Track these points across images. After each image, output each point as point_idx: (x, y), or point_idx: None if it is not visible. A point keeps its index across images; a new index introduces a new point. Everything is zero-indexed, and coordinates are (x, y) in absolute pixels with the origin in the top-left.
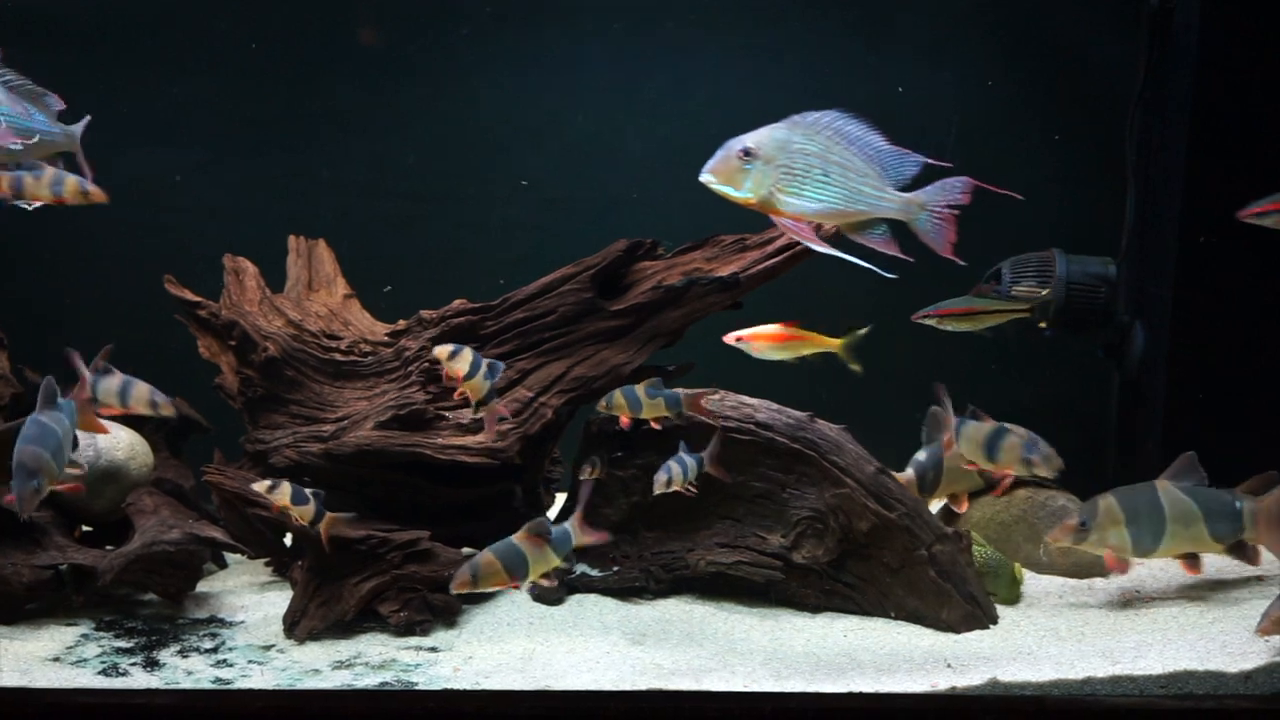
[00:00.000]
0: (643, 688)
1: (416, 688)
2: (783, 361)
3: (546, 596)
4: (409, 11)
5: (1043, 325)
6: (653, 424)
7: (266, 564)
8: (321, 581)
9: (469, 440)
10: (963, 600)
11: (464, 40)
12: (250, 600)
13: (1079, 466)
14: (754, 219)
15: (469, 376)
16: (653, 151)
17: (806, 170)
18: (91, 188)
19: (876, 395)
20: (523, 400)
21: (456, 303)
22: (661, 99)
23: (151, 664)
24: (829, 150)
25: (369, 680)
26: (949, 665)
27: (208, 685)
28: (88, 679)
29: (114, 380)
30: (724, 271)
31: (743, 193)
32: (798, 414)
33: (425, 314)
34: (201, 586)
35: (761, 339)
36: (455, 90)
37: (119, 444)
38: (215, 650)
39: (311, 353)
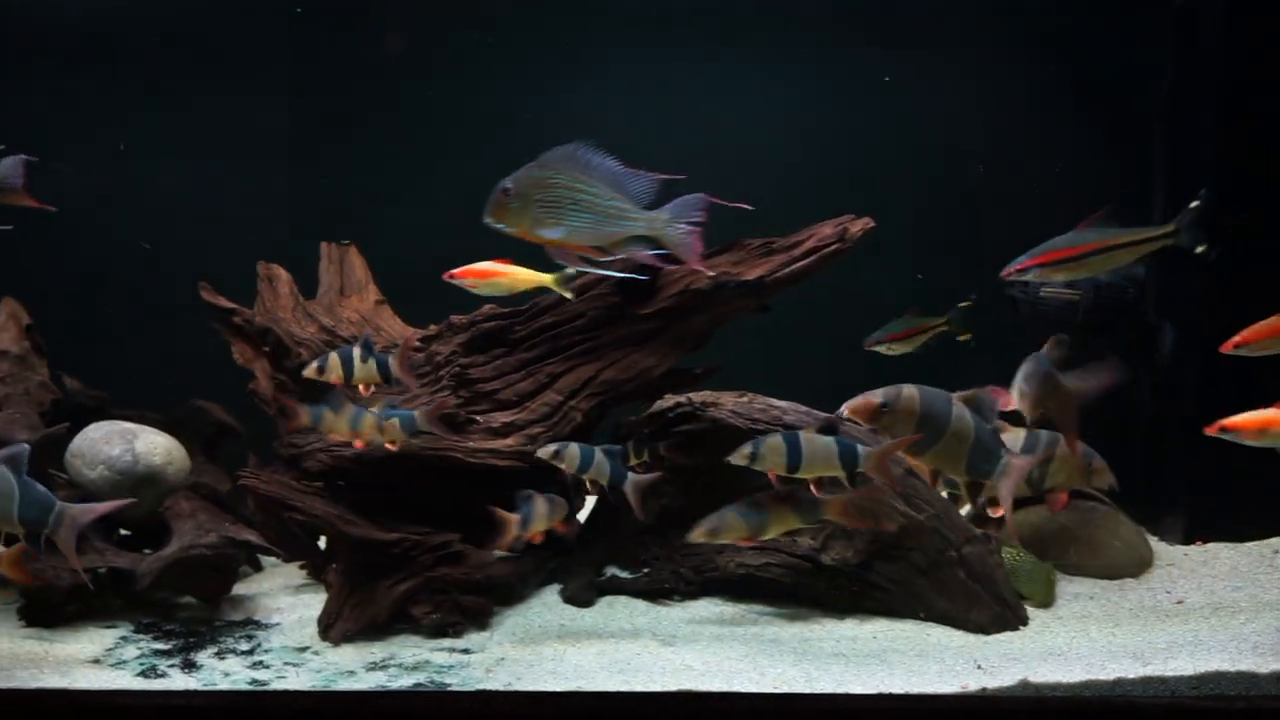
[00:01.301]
0: (673, 689)
1: (450, 689)
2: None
3: (577, 598)
4: (436, 20)
5: (964, 338)
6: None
7: (301, 567)
8: (355, 584)
9: (500, 444)
10: (992, 601)
11: (490, 48)
12: (286, 603)
13: (1112, 466)
14: (782, 222)
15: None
16: (679, 156)
17: (559, 201)
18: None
19: None
20: (553, 404)
21: (486, 308)
22: (686, 104)
23: (189, 665)
24: (576, 181)
25: (403, 681)
26: (979, 666)
27: (245, 687)
28: (127, 680)
29: None
30: (750, 275)
31: (512, 227)
32: (825, 415)
33: (455, 319)
34: (238, 589)
35: (472, 274)
36: (485, 97)
37: (156, 449)
38: (251, 652)
39: None
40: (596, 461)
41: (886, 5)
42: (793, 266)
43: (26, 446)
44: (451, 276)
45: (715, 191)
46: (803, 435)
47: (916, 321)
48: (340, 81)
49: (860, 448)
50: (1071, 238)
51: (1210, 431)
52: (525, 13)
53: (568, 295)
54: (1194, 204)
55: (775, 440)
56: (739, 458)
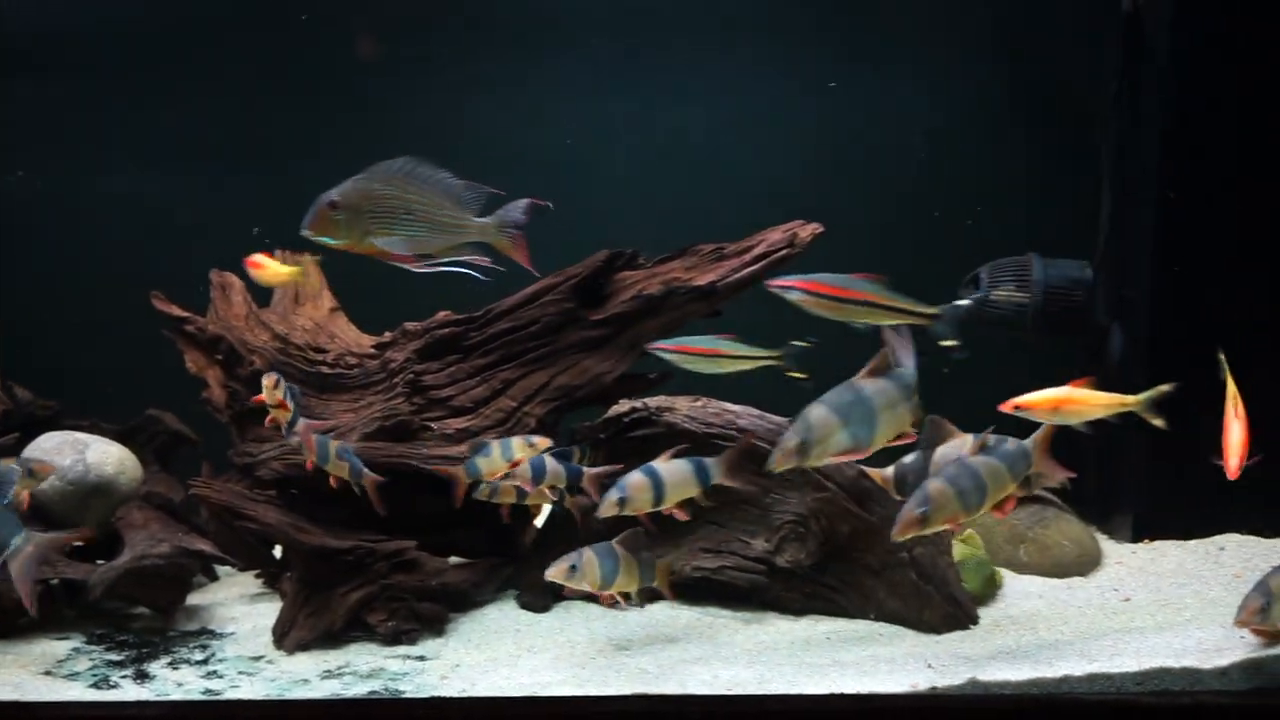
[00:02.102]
0: (628, 692)
1: (404, 696)
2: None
3: (533, 604)
4: (396, 27)
5: (800, 377)
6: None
7: (257, 576)
8: (310, 593)
9: (454, 450)
10: (943, 601)
11: (448, 55)
12: (240, 612)
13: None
14: (735, 228)
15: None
16: (634, 162)
17: (392, 212)
18: None
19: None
20: (506, 410)
21: (441, 314)
22: (642, 111)
23: (142, 676)
24: (406, 192)
25: (357, 689)
26: (929, 666)
27: (198, 696)
28: (79, 692)
29: None
30: (702, 280)
31: (341, 240)
32: (779, 419)
33: (410, 326)
34: (192, 599)
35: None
36: (439, 104)
37: (108, 459)
38: (205, 662)
39: (298, 366)
40: (550, 469)
41: (836, 9)
42: (743, 271)
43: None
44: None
45: (678, 195)
46: (660, 466)
47: (734, 345)
48: (301, 87)
49: (711, 464)
50: (844, 281)
51: (1005, 409)
52: (474, 18)
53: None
54: (966, 303)
55: (638, 479)
56: (608, 508)
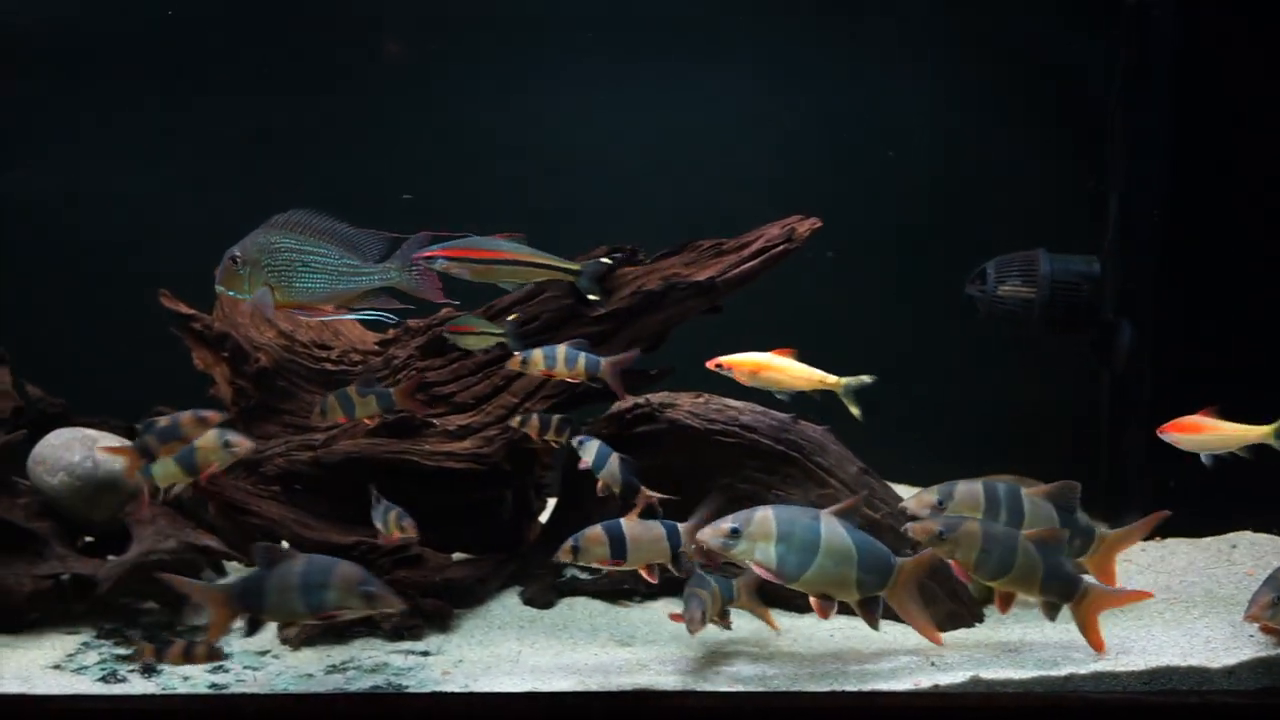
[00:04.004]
0: (630, 688)
1: (407, 690)
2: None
3: (537, 600)
4: (400, 25)
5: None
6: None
7: None
8: None
9: (455, 447)
10: (947, 599)
11: (453, 52)
12: None
13: (1069, 465)
14: (736, 224)
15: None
16: (634, 159)
17: (289, 265)
18: None
19: (860, 397)
20: (509, 406)
21: (444, 311)
22: (642, 107)
23: (150, 671)
24: (303, 244)
25: (361, 684)
26: (933, 663)
27: (203, 691)
28: (87, 686)
29: None
30: (701, 276)
31: (244, 294)
32: (781, 416)
33: (413, 323)
34: None
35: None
36: (442, 101)
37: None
38: (212, 656)
39: (303, 363)
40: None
41: (838, 4)
42: (742, 267)
43: None
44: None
45: (679, 192)
46: (625, 525)
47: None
48: (315, 85)
49: (683, 530)
50: (487, 243)
51: (709, 365)
52: (482, 18)
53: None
54: (605, 260)
55: (595, 533)
56: (563, 554)
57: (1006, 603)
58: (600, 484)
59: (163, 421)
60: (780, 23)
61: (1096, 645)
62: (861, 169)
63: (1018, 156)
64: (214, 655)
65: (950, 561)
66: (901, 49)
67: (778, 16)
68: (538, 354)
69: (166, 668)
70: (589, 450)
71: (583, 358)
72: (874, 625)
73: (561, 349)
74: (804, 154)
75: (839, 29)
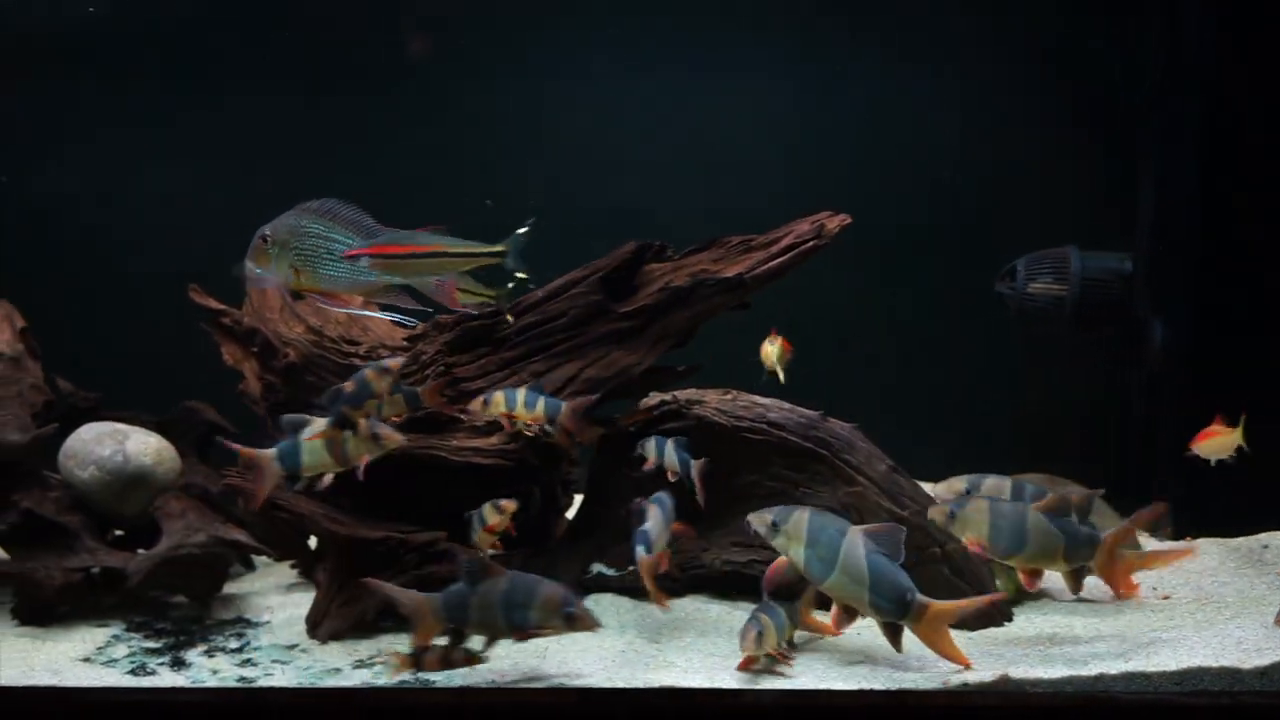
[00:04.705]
0: (655, 685)
1: (433, 685)
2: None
3: None
4: (424, 19)
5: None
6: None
7: (293, 566)
8: (343, 582)
9: (483, 442)
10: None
11: (478, 47)
12: (276, 601)
13: (1100, 463)
14: (763, 220)
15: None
16: (663, 156)
17: (314, 251)
18: None
19: (888, 394)
20: None
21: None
22: (669, 103)
23: (179, 664)
24: (331, 231)
25: (388, 678)
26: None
27: (232, 684)
28: (116, 678)
29: None
30: (730, 272)
31: (271, 274)
32: (810, 413)
33: (441, 319)
34: (229, 588)
35: None
36: (469, 98)
37: (147, 449)
38: (240, 650)
39: (331, 358)
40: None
41: (867, 3)
42: (770, 263)
43: None
44: None
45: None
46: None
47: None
48: (340, 83)
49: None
50: (408, 237)
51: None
52: (514, 14)
53: None
54: (521, 230)
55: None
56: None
57: (1033, 579)
58: (670, 472)
59: (348, 386)
60: (813, 20)
61: (1129, 590)
62: (890, 166)
63: (1049, 154)
64: (471, 660)
65: (967, 542)
66: (932, 47)
67: (810, 13)
68: (499, 396)
69: (195, 661)
70: (650, 448)
71: (542, 401)
72: (896, 648)
73: (521, 393)
74: (834, 151)
75: (871, 27)
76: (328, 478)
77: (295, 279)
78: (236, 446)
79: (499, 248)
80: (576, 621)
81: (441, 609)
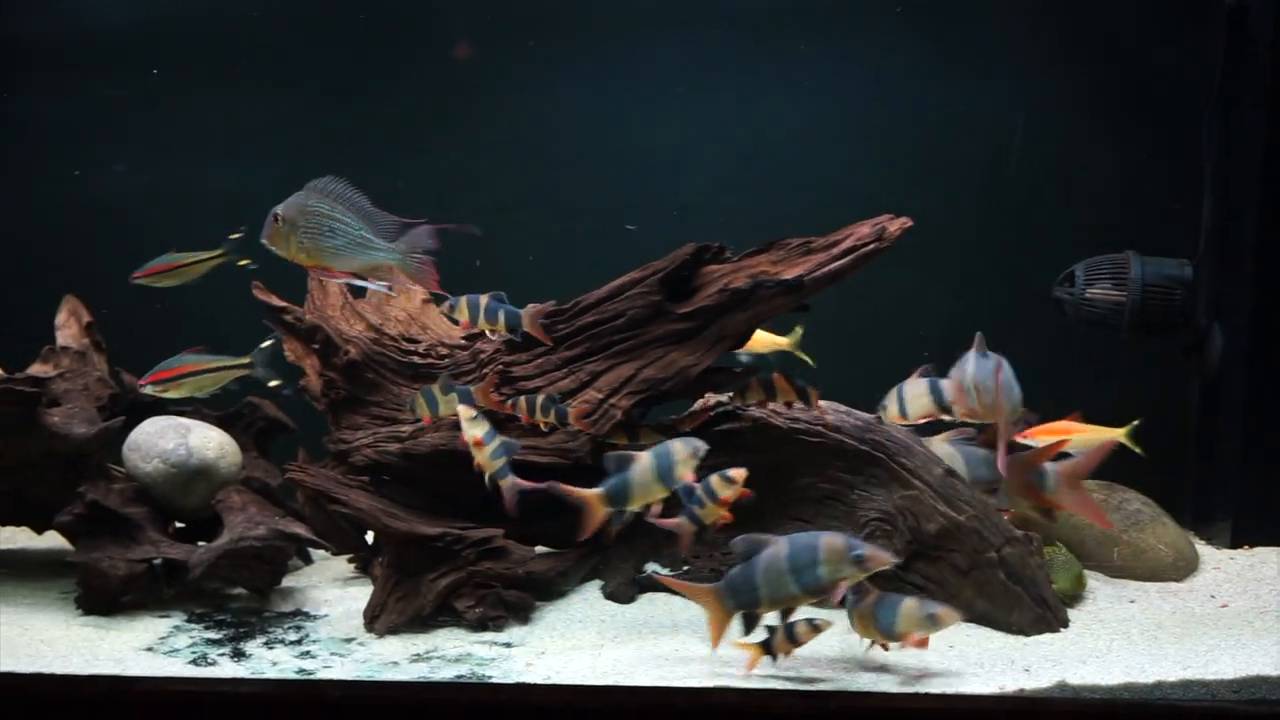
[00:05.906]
0: (711, 685)
1: (491, 681)
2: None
3: (618, 595)
4: (473, 25)
5: (276, 383)
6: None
7: (350, 560)
8: (400, 578)
9: (540, 441)
10: (1033, 603)
11: (529, 52)
12: (333, 595)
13: (1159, 469)
14: (821, 223)
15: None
16: (720, 158)
17: (319, 228)
18: None
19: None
20: (593, 402)
21: (529, 306)
22: (727, 106)
23: (239, 655)
24: (334, 210)
25: (445, 673)
26: (1026, 670)
27: (291, 676)
28: (178, 668)
29: None
30: (789, 274)
31: (282, 251)
32: (866, 416)
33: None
34: (288, 581)
35: None
36: (522, 102)
37: (209, 443)
38: (299, 642)
39: (391, 356)
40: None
41: (929, 5)
42: (830, 266)
43: None
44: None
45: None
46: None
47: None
48: (382, 87)
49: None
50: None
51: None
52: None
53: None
54: (266, 344)
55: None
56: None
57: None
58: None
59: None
60: (871, 23)
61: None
62: (950, 170)
63: (1109, 159)
64: (815, 630)
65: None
66: (995, 49)
67: (870, 16)
68: (463, 302)
69: (255, 652)
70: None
71: (502, 312)
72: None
73: (484, 299)
74: (894, 155)
75: (930, 30)
76: (655, 507)
77: (296, 256)
78: (564, 488)
79: (245, 360)
80: (869, 561)
81: (728, 594)
